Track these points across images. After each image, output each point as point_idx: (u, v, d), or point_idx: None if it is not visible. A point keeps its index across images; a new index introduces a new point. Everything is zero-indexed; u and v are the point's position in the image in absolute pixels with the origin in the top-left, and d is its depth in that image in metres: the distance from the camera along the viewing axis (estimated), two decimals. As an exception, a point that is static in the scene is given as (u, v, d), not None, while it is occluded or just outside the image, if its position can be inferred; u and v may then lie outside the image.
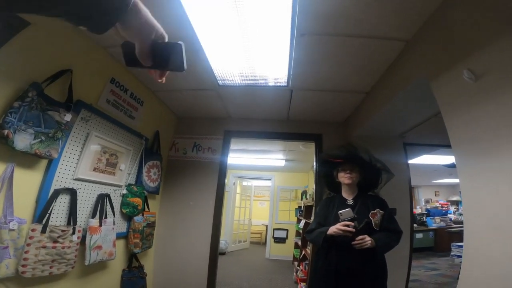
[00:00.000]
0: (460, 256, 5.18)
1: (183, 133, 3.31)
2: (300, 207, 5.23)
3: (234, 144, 3.61)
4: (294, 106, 2.80)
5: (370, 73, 2.08)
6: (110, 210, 2.09)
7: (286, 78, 2.20)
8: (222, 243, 5.90)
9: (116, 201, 2.22)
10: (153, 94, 2.73)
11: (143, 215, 2.46)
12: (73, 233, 1.69)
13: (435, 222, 7.36)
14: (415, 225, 6.11)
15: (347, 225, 1.60)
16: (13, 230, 1.39)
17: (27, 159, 1.49)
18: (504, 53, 1.01)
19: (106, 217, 2.01)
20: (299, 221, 5.08)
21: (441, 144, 2.89)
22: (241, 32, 1.67)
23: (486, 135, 1.10)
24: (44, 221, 1.55)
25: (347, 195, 1.86)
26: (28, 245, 1.46)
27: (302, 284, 3.39)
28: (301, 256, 4.32)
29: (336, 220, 1.72)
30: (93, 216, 1.93)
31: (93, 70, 1.95)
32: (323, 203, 1.95)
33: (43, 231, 1.53)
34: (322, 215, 1.87)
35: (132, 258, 2.45)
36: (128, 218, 2.36)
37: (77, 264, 1.75)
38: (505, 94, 1.00)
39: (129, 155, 2.33)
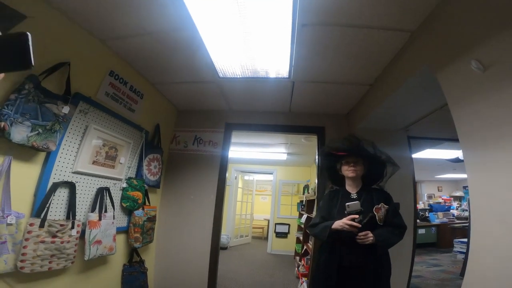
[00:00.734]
0: (463, 252, 5.16)
1: (183, 126, 3.28)
2: (302, 201, 5.20)
3: (235, 137, 3.59)
4: (296, 98, 2.76)
5: (374, 64, 2.03)
6: (110, 204, 2.07)
7: (287, 70, 2.15)
8: (224, 238, 5.91)
9: (116, 195, 2.20)
10: (153, 87, 2.70)
11: (143, 209, 2.45)
12: (72, 227, 1.67)
13: (438, 218, 7.32)
14: (417, 220, 6.08)
15: (353, 220, 1.57)
16: (11, 224, 1.37)
17: (25, 152, 1.48)
18: (514, 42, 0.96)
19: (106, 211, 1.99)
20: (301, 215, 5.06)
21: (446, 137, 2.84)
22: (241, 23, 1.63)
23: (495, 126, 1.06)
24: (42, 215, 1.53)
25: (351, 189, 1.82)
26: (27, 240, 1.44)
27: (304, 279, 3.38)
28: (302, 251, 4.31)
29: (340, 214, 1.68)
30: (93, 210, 1.91)
31: (91, 63, 1.92)
32: (327, 196, 1.91)
33: (42, 225, 1.51)
34: (325, 209, 1.83)
35: (133, 252, 2.44)
36: (129, 212, 2.35)
37: (77, 259, 1.73)
38: (516, 83, 0.96)
39: (129, 148, 2.31)
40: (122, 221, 2.28)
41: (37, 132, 1.45)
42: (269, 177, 7.45)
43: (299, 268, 4.03)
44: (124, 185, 2.28)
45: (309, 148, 4.59)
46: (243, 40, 1.80)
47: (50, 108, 1.53)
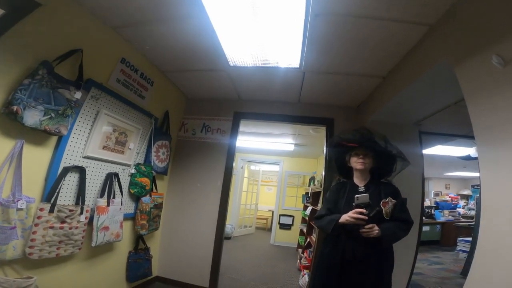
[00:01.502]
0: (466, 251, 5.11)
1: (192, 113, 3.29)
2: (307, 193, 5.19)
3: (243, 126, 3.58)
4: (305, 89, 2.72)
5: (388, 57, 1.98)
6: (118, 190, 2.10)
7: (298, 60, 2.12)
8: (228, 228, 5.96)
9: (125, 181, 2.23)
10: (163, 74, 2.69)
11: (150, 195, 2.47)
12: (81, 213, 1.70)
13: (444, 216, 7.24)
14: (423, 218, 6.04)
15: (360, 213, 1.56)
16: (21, 209, 1.38)
17: (37, 136, 1.50)
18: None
19: (114, 197, 2.02)
20: (305, 207, 5.07)
21: (458, 134, 2.78)
22: (253, 12, 1.60)
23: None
24: (52, 200, 1.55)
25: (359, 181, 1.80)
26: (36, 225, 1.45)
27: (305, 271, 3.40)
28: (305, 244, 4.33)
29: (347, 206, 1.67)
30: (101, 195, 1.93)
31: (103, 50, 1.94)
32: (334, 188, 1.90)
33: (51, 210, 1.52)
34: (332, 201, 1.82)
35: (138, 240, 2.47)
36: (136, 198, 2.38)
37: (84, 245, 1.74)
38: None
39: (139, 134, 2.32)
40: (129, 207, 2.31)
41: (49, 116, 1.46)
42: (275, 168, 7.42)
43: (301, 260, 4.06)
44: (133, 170, 2.30)
45: (317, 140, 4.55)
46: (254, 29, 1.76)
47: (63, 93, 1.54)
